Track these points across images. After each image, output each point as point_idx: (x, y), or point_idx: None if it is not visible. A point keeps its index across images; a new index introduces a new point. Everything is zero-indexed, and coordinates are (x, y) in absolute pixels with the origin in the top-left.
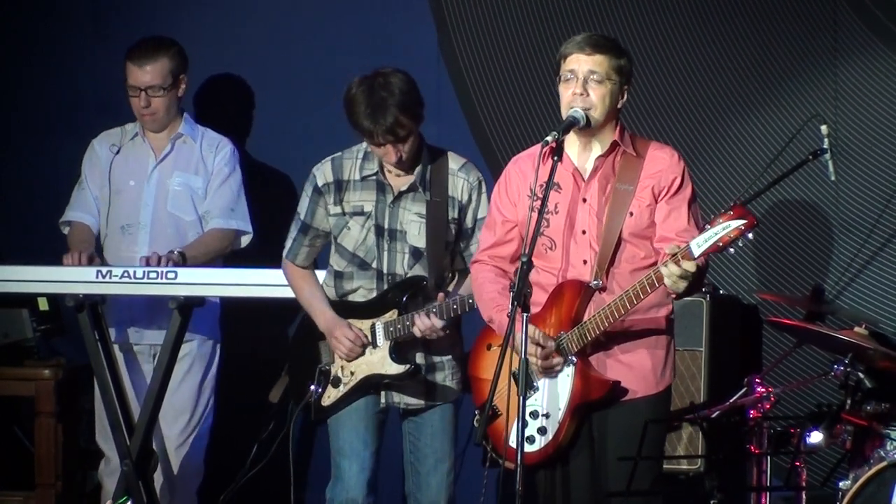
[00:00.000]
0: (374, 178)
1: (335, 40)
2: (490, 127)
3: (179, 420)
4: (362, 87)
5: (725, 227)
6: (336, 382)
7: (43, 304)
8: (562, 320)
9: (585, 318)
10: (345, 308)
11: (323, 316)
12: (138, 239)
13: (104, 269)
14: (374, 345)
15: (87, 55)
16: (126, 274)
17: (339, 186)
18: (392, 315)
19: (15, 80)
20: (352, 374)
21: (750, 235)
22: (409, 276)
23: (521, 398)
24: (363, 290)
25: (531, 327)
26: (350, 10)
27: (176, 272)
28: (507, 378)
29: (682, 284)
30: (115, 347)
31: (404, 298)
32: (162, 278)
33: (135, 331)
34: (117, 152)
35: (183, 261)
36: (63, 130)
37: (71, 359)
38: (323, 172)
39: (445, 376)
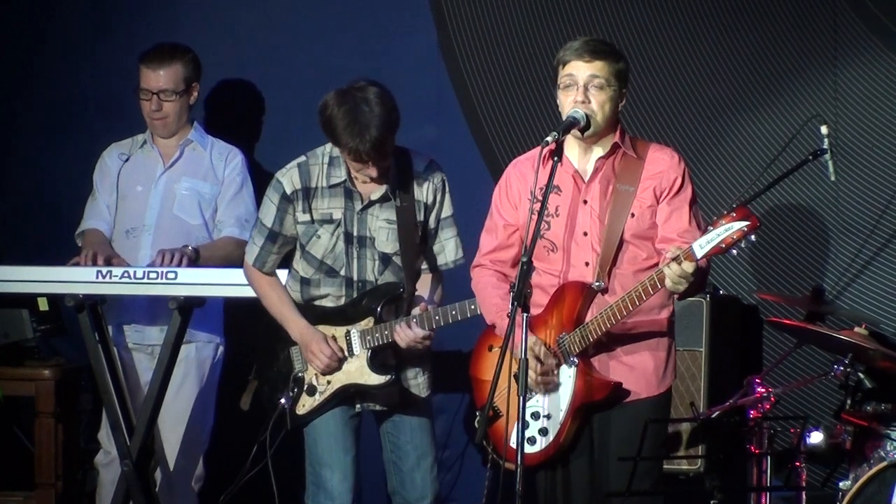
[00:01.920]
0: (342, 185)
1: (335, 40)
2: (490, 127)
3: (179, 426)
4: (344, 106)
5: (728, 229)
6: (312, 391)
7: (43, 304)
8: (563, 322)
9: (587, 319)
10: (315, 312)
11: (296, 325)
12: (141, 241)
13: (104, 270)
14: (351, 353)
15: (87, 55)
16: (126, 274)
17: (307, 193)
18: (368, 323)
19: (15, 80)
20: (328, 382)
21: (752, 237)
22: (381, 282)
23: (521, 398)
24: (331, 297)
25: (535, 339)
26: (350, 11)
27: (176, 272)
28: (508, 379)
29: (683, 285)
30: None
31: (380, 307)
32: (162, 278)
33: (135, 329)
34: (126, 160)
35: (196, 257)
36: (63, 130)
37: (71, 359)
38: (290, 179)
39: (417, 373)
